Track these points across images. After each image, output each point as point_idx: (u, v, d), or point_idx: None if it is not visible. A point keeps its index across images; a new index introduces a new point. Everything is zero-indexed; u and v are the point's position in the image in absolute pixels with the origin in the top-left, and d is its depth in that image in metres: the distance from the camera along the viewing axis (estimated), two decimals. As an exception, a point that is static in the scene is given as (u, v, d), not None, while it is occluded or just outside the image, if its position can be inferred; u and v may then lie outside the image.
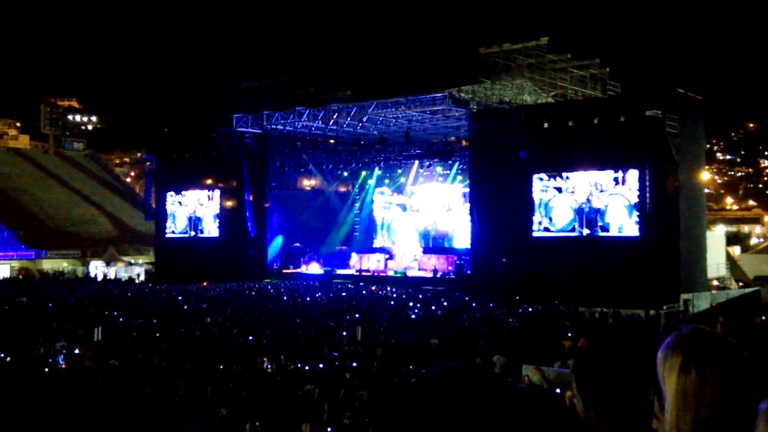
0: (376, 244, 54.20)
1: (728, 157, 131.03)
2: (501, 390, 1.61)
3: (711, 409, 2.07)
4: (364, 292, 38.01)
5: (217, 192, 52.15)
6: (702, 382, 2.10)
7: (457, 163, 48.16)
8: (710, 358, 2.12)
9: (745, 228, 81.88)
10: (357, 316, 27.01)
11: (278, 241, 50.50)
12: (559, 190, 37.78)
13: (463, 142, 45.28)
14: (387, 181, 54.91)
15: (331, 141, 51.92)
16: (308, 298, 33.98)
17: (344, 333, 22.76)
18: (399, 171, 53.40)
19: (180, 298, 35.04)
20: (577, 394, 2.79)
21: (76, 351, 19.68)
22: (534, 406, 1.68)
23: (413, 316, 27.50)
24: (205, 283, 43.30)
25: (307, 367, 16.69)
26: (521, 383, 13.38)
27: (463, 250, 45.00)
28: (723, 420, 2.06)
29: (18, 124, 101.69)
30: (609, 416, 2.77)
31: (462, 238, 46.09)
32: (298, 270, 49.98)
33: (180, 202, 53.92)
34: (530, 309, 30.93)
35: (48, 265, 63.79)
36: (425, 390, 1.62)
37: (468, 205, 42.69)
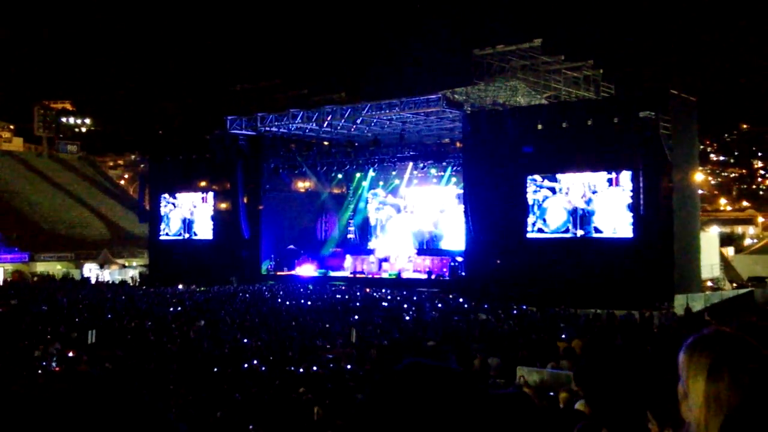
0: (371, 245, 54.16)
1: (722, 158, 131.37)
2: (466, 389, 1.58)
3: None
4: (358, 293, 37.99)
5: (211, 194, 52.08)
6: (734, 387, 2.04)
7: (451, 165, 48.18)
8: (740, 363, 2.07)
9: (739, 229, 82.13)
10: (355, 317, 27.00)
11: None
12: (553, 191, 37.82)
13: (457, 144, 45.27)
14: (381, 182, 54.90)
15: (325, 143, 51.88)
16: (303, 300, 33.95)
17: (338, 335, 22.76)
18: (393, 173, 53.40)
19: (174, 300, 34.98)
20: (581, 395, 2.80)
21: (70, 354, 19.65)
22: (500, 407, 1.66)
23: (408, 318, 27.50)
24: None
25: (301, 370, 16.69)
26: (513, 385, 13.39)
27: (457, 252, 44.99)
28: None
29: (11, 127, 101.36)
30: (609, 416, 2.77)
31: (456, 240, 46.09)
32: (292, 272, 49.90)
33: (174, 204, 53.83)
34: (525, 308, 30.98)
35: (42, 267, 63.57)
36: (387, 386, 1.59)
37: (462, 206, 42.70)
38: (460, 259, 43.69)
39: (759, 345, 2.14)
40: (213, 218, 51.90)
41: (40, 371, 17.31)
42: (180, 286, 44.90)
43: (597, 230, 36.43)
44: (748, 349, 2.11)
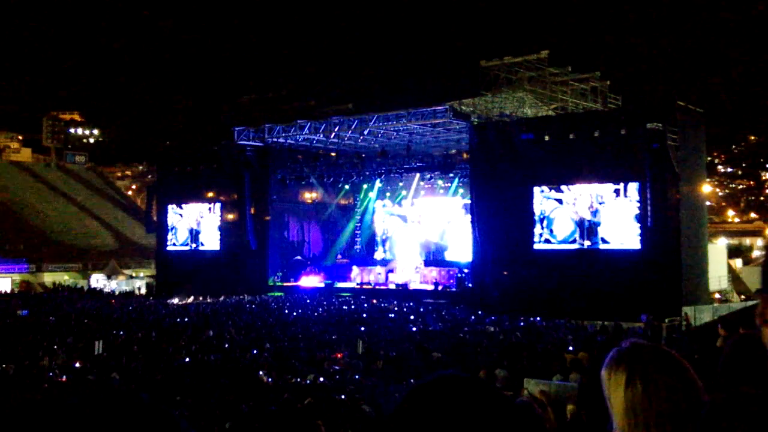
0: (377, 256, 54.16)
1: (729, 169, 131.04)
2: (496, 401, 1.60)
3: (658, 420, 2.11)
4: (365, 305, 37.96)
5: (218, 205, 52.17)
6: (647, 395, 2.15)
7: (458, 176, 48.17)
8: (654, 371, 2.17)
9: (747, 241, 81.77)
10: (362, 328, 26.97)
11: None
12: (560, 202, 37.78)
13: (464, 155, 45.30)
14: (388, 194, 54.93)
15: (333, 154, 51.97)
16: (309, 312, 33.94)
17: (345, 346, 22.71)
18: (400, 184, 53.42)
19: (181, 311, 35.00)
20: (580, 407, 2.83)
21: (77, 364, 19.67)
22: (526, 418, 1.68)
23: (414, 329, 27.46)
24: None
25: (307, 381, 16.68)
26: (520, 397, 13.33)
27: (464, 263, 44.94)
28: (671, 430, 2.10)
29: (20, 138, 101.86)
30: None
31: (463, 251, 46.03)
32: (299, 283, 49.92)
33: (181, 215, 53.93)
34: (532, 320, 30.90)
35: (49, 278, 63.73)
36: (419, 398, 1.61)
37: (469, 217, 42.67)
38: (467, 270, 43.62)
39: (677, 355, 2.25)
40: (220, 229, 51.98)
41: (46, 381, 17.32)
42: (187, 297, 44.93)
43: (604, 241, 36.38)
44: (663, 359, 2.22)
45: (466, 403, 1.56)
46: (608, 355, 2.28)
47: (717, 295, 40.48)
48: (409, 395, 1.64)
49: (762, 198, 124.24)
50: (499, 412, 1.58)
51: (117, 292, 54.77)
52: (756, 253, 72.15)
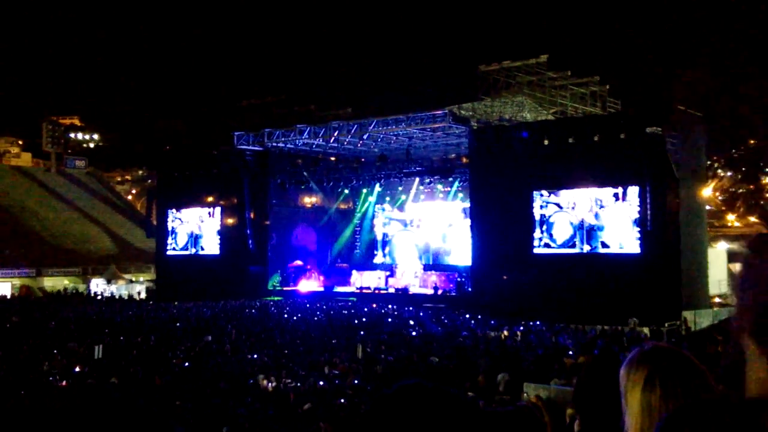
0: (377, 261, 54.14)
1: (729, 173, 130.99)
2: (461, 409, 1.60)
3: None
4: (365, 309, 37.93)
5: (218, 209, 52.16)
6: (666, 397, 2.17)
7: (457, 180, 48.18)
8: (673, 374, 2.18)
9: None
10: (361, 333, 26.97)
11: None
12: (560, 206, 37.77)
13: (464, 159, 45.30)
14: (388, 198, 54.92)
15: (332, 158, 51.98)
16: (308, 316, 33.93)
17: (344, 351, 22.72)
18: (400, 188, 53.42)
19: (181, 315, 34.97)
20: (576, 411, 2.85)
21: (77, 369, 19.68)
22: (495, 425, 1.69)
23: (414, 334, 27.45)
24: None
25: (307, 385, 16.69)
26: (521, 401, 13.35)
27: (463, 267, 44.92)
28: None
29: (20, 142, 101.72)
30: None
31: (463, 255, 46.01)
32: (298, 288, 49.89)
33: (181, 219, 53.91)
34: (531, 324, 30.89)
35: (49, 283, 63.74)
36: (383, 409, 1.61)
37: (468, 221, 42.66)
38: (467, 274, 43.58)
39: (696, 361, 2.27)
40: (220, 233, 51.97)
41: (46, 385, 17.33)
42: (187, 302, 44.88)
43: (604, 245, 36.36)
44: (682, 363, 2.24)
45: (427, 413, 1.56)
46: (629, 355, 2.31)
47: (717, 300, 40.47)
48: (372, 407, 1.64)
49: (762, 202, 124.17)
50: (462, 421, 1.58)
51: (118, 296, 54.75)
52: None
